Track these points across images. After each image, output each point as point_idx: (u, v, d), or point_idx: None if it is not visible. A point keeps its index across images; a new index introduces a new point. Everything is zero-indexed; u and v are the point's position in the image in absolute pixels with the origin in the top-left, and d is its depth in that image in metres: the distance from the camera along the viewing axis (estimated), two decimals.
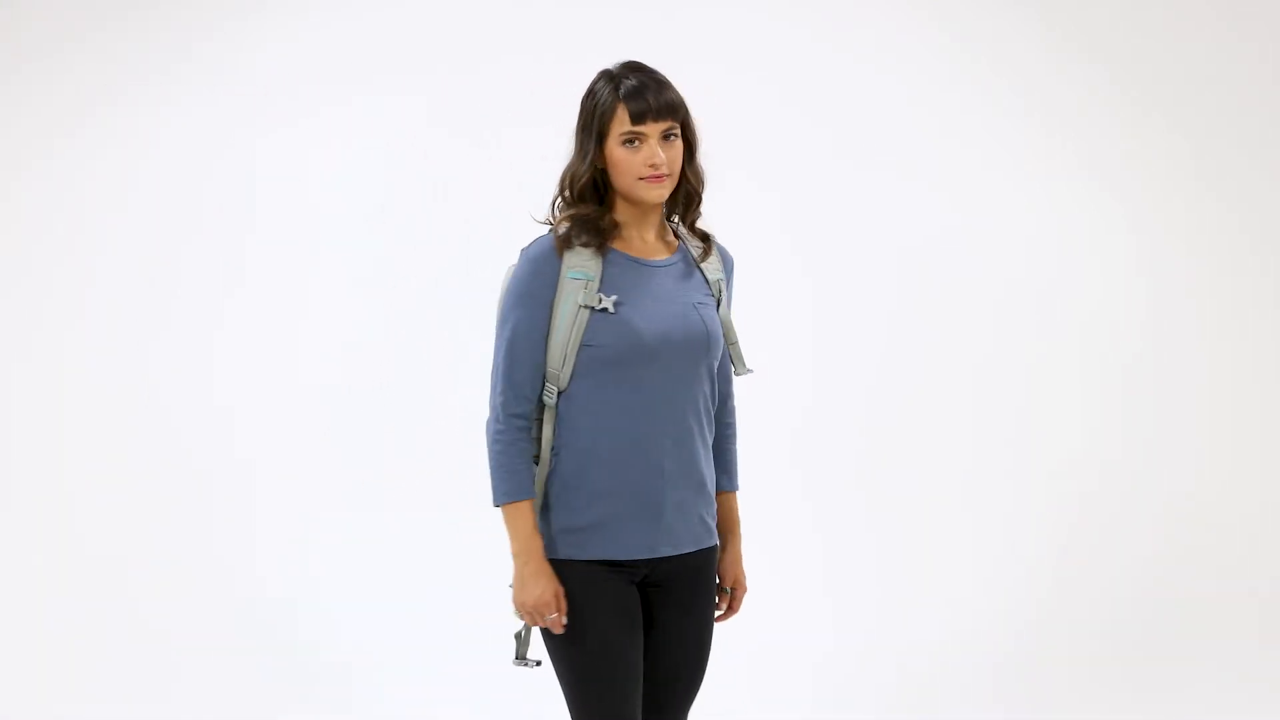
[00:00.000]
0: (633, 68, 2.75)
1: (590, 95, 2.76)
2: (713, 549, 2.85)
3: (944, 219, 5.04)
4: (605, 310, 2.71)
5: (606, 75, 2.76)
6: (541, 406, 2.77)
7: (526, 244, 2.78)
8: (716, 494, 2.90)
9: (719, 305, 2.82)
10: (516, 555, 2.74)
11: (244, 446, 5.03)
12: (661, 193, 2.73)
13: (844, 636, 4.92)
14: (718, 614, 2.91)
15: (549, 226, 2.79)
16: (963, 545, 5.01)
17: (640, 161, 2.70)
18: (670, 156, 2.72)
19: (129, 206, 5.06)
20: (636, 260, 2.77)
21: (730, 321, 2.83)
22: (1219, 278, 5.12)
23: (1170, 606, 5.00)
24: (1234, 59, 5.09)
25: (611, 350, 2.71)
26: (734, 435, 2.96)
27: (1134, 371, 5.09)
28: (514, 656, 2.82)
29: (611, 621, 2.73)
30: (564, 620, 2.73)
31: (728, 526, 2.94)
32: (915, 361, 5.03)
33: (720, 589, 2.92)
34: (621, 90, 2.71)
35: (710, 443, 2.84)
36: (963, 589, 4.97)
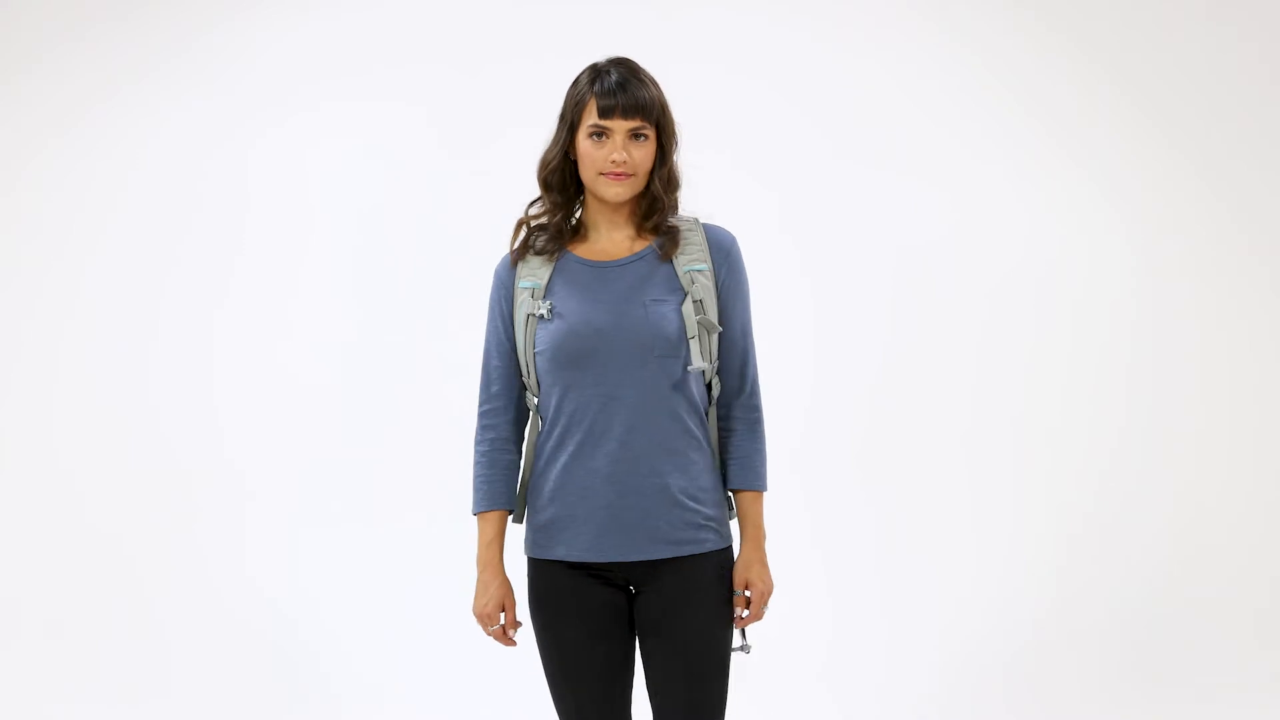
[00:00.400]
0: (618, 62, 2.76)
1: (572, 85, 2.78)
2: (706, 555, 2.76)
3: (944, 219, 5.04)
4: (542, 316, 2.74)
5: (592, 67, 2.77)
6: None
7: (496, 262, 2.87)
8: (734, 492, 2.84)
9: (687, 298, 2.74)
10: (476, 563, 2.84)
11: (236, 448, 5.02)
12: (620, 191, 2.73)
13: (845, 640, 4.92)
14: (737, 618, 2.80)
15: (520, 225, 2.85)
16: (965, 545, 5.00)
17: (603, 156, 2.71)
18: (637, 157, 2.72)
19: (123, 206, 5.06)
20: (588, 262, 2.78)
21: (690, 314, 2.73)
22: (1219, 277, 5.12)
23: (1178, 608, 5.00)
24: (1234, 59, 5.09)
25: (548, 355, 2.74)
26: (751, 432, 2.83)
27: (1135, 371, 5.09)
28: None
29: (570, 623, 2.76)
30: (511, 634, 2.84)
31: (740, 527, 2.84)
32: (915, 361, 5.03)
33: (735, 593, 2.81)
34: (597, 83, 2.72)
35: (687, 446, 2.76)
36: (965, 591, 4.97)
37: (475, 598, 2.83)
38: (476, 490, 2.83)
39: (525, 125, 4.81)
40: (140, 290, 5.06)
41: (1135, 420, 5.07)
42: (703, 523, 2.77)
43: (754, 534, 2.83)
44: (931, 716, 4.76)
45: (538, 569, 2.80)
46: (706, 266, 2.78)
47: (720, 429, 2.85)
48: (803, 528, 4.92)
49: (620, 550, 2.73)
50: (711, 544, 2.77)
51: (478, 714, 4.76)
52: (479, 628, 2.85)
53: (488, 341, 2.85)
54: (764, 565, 2.82)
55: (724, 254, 2.82)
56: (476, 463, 2.84)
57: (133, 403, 5.04)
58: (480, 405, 2.84)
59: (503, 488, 2.83)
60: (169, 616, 4.96)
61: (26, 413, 5.06)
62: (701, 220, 2.84)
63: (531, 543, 2.81)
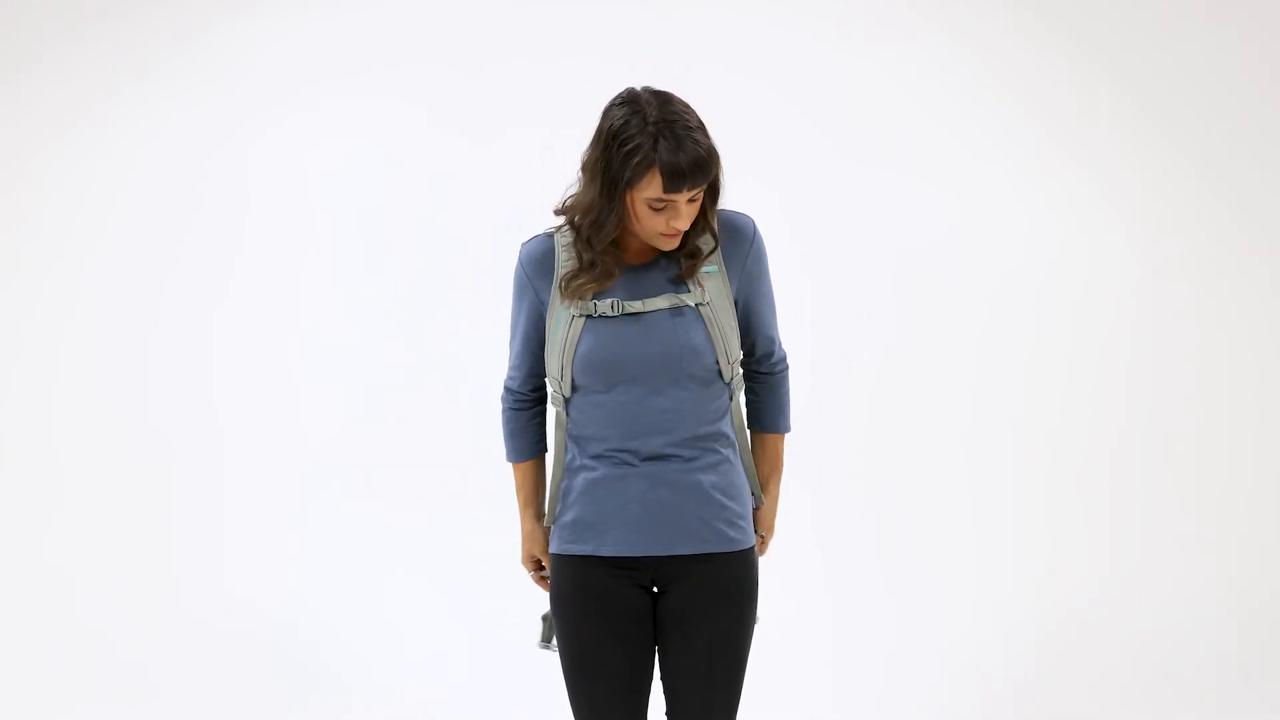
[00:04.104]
0: (667, 120, 2.59)
1: (617, 138, 2.60)
2: (734, 554, 2.77)
3: (944, 220, 5.04)
4: (603, 315, 2.71)
5: (640, 119, 2.60)
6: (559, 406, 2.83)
7: (526, 239, 2.82)
8: (754, 435, 2.93)
9: (704, 305, 2.73)
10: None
11: (236, 448, 5.02)
12: (674, 244, 2.69)
13: (847, 641, 4.92)
14: None
15: (552, 230, 2.80)
16: (965, 546, 5.00)
17: (662, 221, 2.64)
18: (692, 213, 2.66)
19: (123, 206, 5.06)
20: (630, 267, 2.76)
21: (710, 319, 2.73)
22: (1219, 277, 5.11)
23: (1179, 608, 4.99)
24: (1234, 59, 5.08)
25: (585, 358, 2.72)
26: (773, 383, 2.92)
27: (1135, 371, 5.08)
28: (539, 639, 2.94)
29: (594, 622, 2.76)
30: (545, 579, 2.93)
31: (765, 473, 2.94)
32: (915, 362, 5.02)
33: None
34: (659, 153, 2.57)
35: (718, 443, 2.77)
36: (966, 591, 4.96)
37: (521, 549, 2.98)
38: (506, 443, 2.97)
39: (525, 125, 4.89)
40: (140, 290, 5.05)
41: (1135, 420, 5.07)
42: (733, 520, 2.78)
43: (774, 478, 2.95)
44: (935, 718, 4.76)
45: (563, 565, 2.79)
46: (716, 267, 2.76)
47: (746, 387, 2.92)
48: (803, 529, 4.91)
49: (652, 545, 2.74)
50: (740, 543, 2.79)
51: (479, 713, 4.76)
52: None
53: (514, 320, 2.88)
54: (774, 514, 2.96)
55: (745, 244, 2.79)
56: (505, 423, 2.97)
57: (132, 403, 5.03)
58: (508, 372, 2.95)
59: (526, 443, 2.95)
60: (169, 616, 4.96)
61: (26, 413, 5.06)
62: (719, 209, 2.79)
63: (558, 539, 2.80)
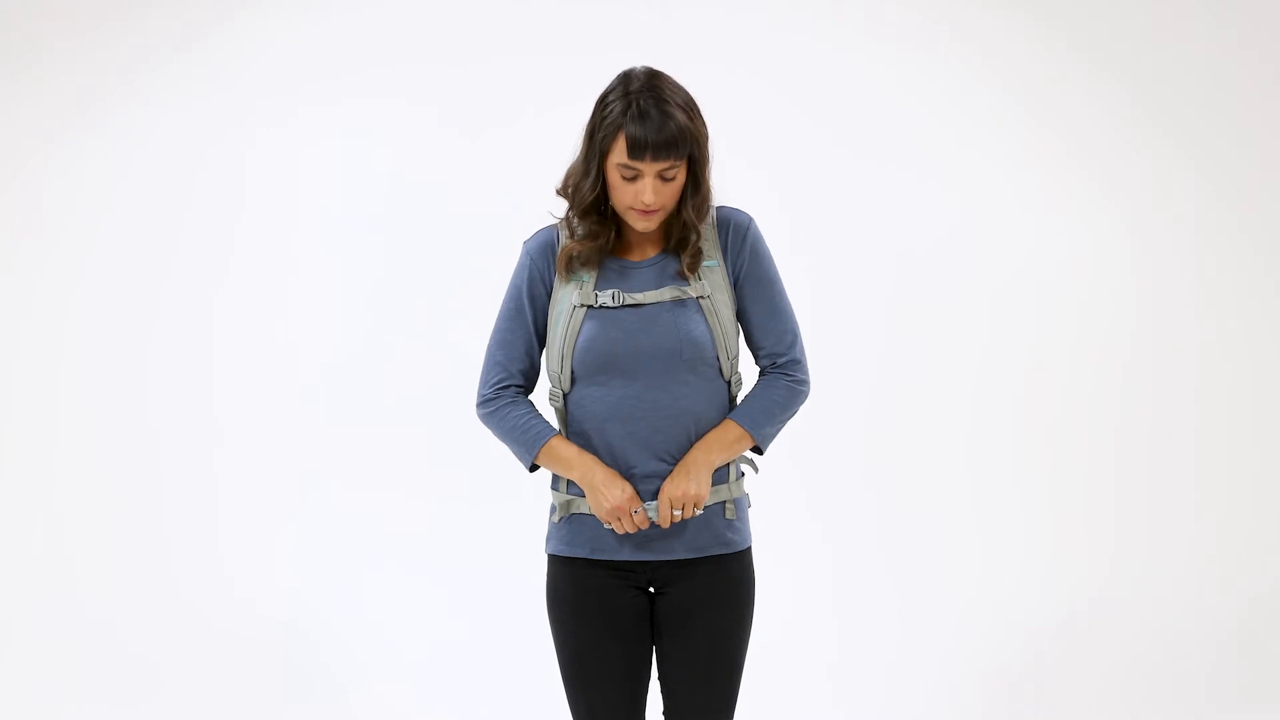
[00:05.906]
0: (650, 89, 2.64)
1: (602, 102, 2.69)
2: (730, 556, 2.78)
3: (944, 220, 5.04)
4: (604, 306, 2.72)
5: (624, 85, 2.67)
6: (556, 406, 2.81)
7: (528, 235, 2.83)
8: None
9: (706, 299, 2.74)
10: (579, 481, 2.72)
11: (234, 449, 5.02)
12: (648, 225, 2.71)
13: (850, 642, 4.92)
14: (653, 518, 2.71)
15: (556, 220, 2.81)
16: (968, 547, 5.00)
17: (632, 194, 2.67)
18: (666, 194, 2.67)
19: (120, 206, 5.06)
20: (624, 262, 2.77)
21: (714, 313, 2.73)
22: (1220, 278, 5.12)
23: (1179, 609, 4.99)
24: (1235, 59, 5.09)
25: (585, 349, 2.72)
26: (773, 384, 2.79)
27: (1134, 371, 5.08)
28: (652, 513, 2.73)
29: (591, 623, 2.75)
30: (656, 510, 2.68)
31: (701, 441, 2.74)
32: (916, 363, 5.02)
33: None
34: (628, 116, 2.62)
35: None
36: (968, 593, 4.97)
37: (599, 502, 2.68)
38: (518, 441, 2.77)
39: (526, 124, 4.89)
40: (137, 290, 5.05)
41: (1135, 420, 5.07)
42: (729, 520, 2.79)
43: (701, 447, 2.72)
44: (938, 716, 4.76)
45: (560, 566, 2.79)
46: (716, 261, 2.78)
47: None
48: (805, 528, 4.92)
49: (649, 549, 2.73)
50: (736, 544, 2.79)
51: (480, 712, 4.76)
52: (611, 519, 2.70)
53: (500, 318, 2.82)
54: (685, 477, 2.70)
55: (739, 238, 2.80)
56: (499, 419, 2.79)
57: (130, 401, 5.03)
58: (483, 373, 2.83)
59: (538, 421, 2.77)
60: (168, 616, 4.96)
61: (24, 412, 5.06)
62: (716, 205, 2.80)
63: (555, 539, 2.80)
